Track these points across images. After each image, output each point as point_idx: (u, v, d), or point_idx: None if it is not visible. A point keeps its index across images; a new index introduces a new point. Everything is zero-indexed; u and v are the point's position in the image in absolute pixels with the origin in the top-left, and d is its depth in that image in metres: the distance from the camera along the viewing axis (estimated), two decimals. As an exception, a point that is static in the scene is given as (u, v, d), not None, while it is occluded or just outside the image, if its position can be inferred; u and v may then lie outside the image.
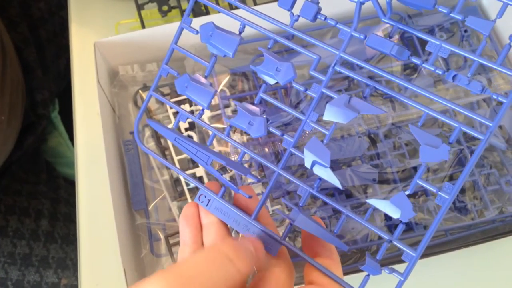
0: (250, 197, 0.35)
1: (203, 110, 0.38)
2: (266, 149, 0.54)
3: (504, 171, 0.54)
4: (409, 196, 0.32)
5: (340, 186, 0.32)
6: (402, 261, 0.49)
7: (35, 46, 0.84)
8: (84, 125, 0.60)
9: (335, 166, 0.54)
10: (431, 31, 0.60)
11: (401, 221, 0.32)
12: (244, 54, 0.58)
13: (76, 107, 0.60)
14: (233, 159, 0.52)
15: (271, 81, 0.36)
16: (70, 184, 0.82)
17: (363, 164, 0.52)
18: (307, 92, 0.35)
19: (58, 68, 0.89)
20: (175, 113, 0.57)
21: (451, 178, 0.53)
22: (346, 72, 0.34)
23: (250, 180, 0.52)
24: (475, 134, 0.31)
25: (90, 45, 0.56)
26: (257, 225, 0.35)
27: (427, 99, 0.56)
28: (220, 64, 0.58)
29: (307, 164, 0.33)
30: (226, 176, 0.54)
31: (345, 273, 0.50)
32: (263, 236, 0.34)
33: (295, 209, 0.34)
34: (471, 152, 0.52)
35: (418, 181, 0.32)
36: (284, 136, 0.35)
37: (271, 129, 0.36)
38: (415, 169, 0.53)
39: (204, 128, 0.54)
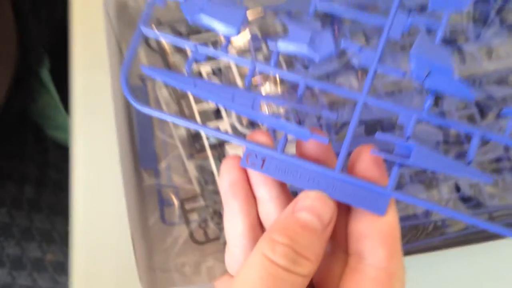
0: (327, 142, 0.25)
1: (228, 40, 0.28)
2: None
3: None
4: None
5: (472, 98, 0.23)
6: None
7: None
8: (85, 67, 0.50)
9: (386, 126, 0.45)
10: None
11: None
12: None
13: (74, 44, 0.51)
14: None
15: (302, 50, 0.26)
16: (60, 149, 0.72)
17: (422, 124, 0.43)
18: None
19: (52, 21, 0.79)
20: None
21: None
22: None
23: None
24: None
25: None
26: (347, 178, 0.25)
27: (503, 53, 0.47)
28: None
29: (417, 76, 0.24)
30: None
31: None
32: (358, 192, 0.25)
33: (402, 142, 0.24)
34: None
35: None
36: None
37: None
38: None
39: (231, 73, 0.45)
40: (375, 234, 0.24)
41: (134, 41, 0.29)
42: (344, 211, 0.26)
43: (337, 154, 0.27)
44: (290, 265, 0.22)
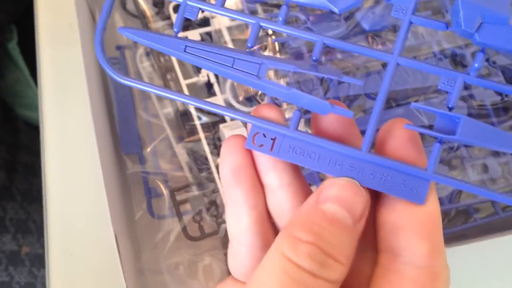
0: (352, 115, 0.20)
1: None
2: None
3: None
4: None
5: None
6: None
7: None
8: (50, 42, 0.44)
9: (401, 99, 0.40)
10: None
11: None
12: None
13: (40, 15, 0.44)
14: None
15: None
16: (31, 128, 0.66)
17: (444, 96, 0.38)
18: None
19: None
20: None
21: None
22: None
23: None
24: None
25: None
26: (377, 159, 0.20)
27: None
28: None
29: (465, 27, 0.19)
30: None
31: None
32: (390, 176, 0.20)
33: (447, 114, 0.19)
34: None
35: None
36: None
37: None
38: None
39: (223, 41, 0.39)
40: (412, 225, 0.19)
41: (105, 7, 0.23)
42: (371, 199, 0.21)
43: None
44: (317, 269, 0.18)
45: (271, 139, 0.21)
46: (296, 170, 0.22)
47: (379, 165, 0.20)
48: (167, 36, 0.22)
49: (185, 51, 0.22)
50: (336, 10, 0.21)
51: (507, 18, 0.19)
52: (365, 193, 0.20)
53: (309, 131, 0.24)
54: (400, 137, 0.20)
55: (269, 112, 0.21)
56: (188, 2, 0.22)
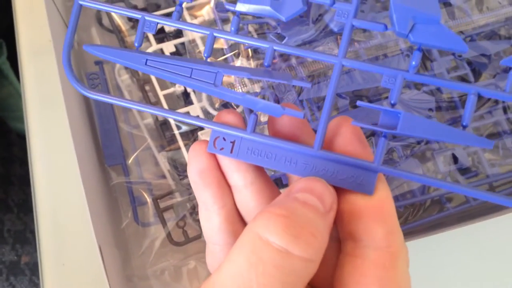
0: (303, 116, 0.21)
1: (180, 4, 0.24)
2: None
3: None
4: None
5: (465, 50, 0.20)
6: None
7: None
8: (32, 57, 0.45)
9: (372, 96, 0.41)
10: None
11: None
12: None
13: (20, 35, 0.45)
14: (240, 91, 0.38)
15: (265, 11, 0.22)
16: (24, 141, 0.67)
17: (413, 91, 0.39)
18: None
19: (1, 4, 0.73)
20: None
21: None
22: None
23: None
24: None
25: None
26: (328, 156, 0.21)
27: (494, 4, 0.43)
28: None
29: (400, 29, 0.20)
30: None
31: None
32: (341, 170, 0.21)
33: (389, 110, 0.20)
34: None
35: None
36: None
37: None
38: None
39: (198, 51, 0.40)
40: (367, 212, 0.20)
41: (73, 15, 0.25)
42: None
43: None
44: (291, 243, 0.18)
45: (231, 142, 0.22)
46: (259, 169, 0.23)
47: (330, 161, 0.21)
48: (129, 51, 0.23)
49: (146, 64, 0.23)
50: (283, 18, 0.22)
51: (437, 18, 0.20)
52: (333, 190, 0.20)
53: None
54: (345, 133, 0.22)
55: (229, 117, 0.23)
56: (146, 18, 0.23)
